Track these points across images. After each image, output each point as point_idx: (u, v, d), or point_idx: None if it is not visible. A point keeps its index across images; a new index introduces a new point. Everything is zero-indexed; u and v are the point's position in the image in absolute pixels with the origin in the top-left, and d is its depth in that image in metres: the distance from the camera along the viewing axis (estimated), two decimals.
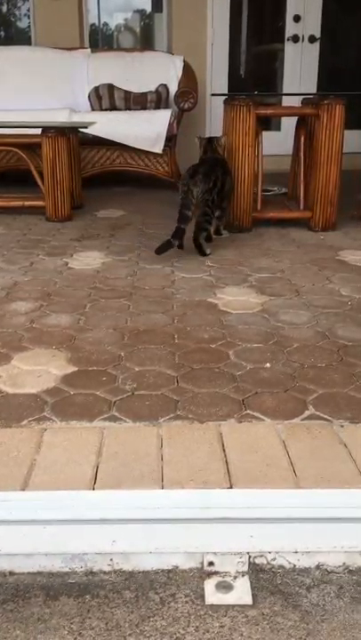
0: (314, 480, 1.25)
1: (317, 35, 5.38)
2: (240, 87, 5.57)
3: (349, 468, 1.31)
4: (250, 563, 1.08)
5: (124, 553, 1.12)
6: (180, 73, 4.81)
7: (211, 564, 1.08)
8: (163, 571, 1.10)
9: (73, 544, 1.12)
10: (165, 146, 4.41)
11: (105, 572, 1.11)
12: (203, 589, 1.05)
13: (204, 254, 2.89)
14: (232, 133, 3.23)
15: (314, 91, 5.31)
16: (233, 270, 2.71)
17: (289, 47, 5.44)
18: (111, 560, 1.11)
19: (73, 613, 1.02)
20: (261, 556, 1.09)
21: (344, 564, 1.06)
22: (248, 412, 1.55)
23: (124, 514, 1.13)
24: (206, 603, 1.03)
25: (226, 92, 5.28)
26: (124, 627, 0.99)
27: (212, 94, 4.98)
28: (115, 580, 1.09)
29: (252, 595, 1.02)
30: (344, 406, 1.59)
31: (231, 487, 1.23)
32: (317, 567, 1.07)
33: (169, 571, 1.10)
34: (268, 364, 1.82)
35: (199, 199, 2.83)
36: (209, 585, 1.05)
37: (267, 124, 5.24)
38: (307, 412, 1.55)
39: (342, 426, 1.49)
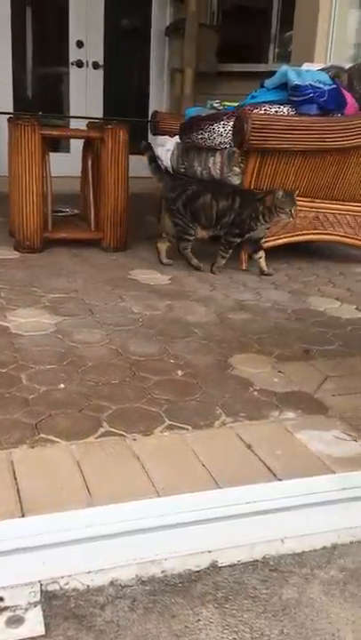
0: (108, 496, 1.26)
1: (101, 61, 5.54)
2: (28, 108, 5.50)
3: (142, 480, 1.34)
4: (42, 591, 1.04)
5: None
6: None
7: (0, 599, 1.02)
8: None
9: None
10: None
11: None
12: None
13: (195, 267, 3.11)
14: (17, 153, 3.16)
15: (100, 115, 5.45)
16: (25, 291, 2.64)
17: (73, 72, 5.53)
18: None
19: None
20: (54, 582, 1.06)
21: (137, 575, 1.08)
22: (42, 435, 1.51)
23: None
24: None
25: (11, 111, 5.18)
26: None
27: None
28: None
29: (45, 624, 0.98)
30: (137, 420, 1.63)
31: (23, 516, 1.18)
32: (111, 583, 1.07)
33: None
34: (62, 385, 1.80)
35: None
36: None
37: (56, 145, 5.24)
38: (101, 430, 1.56)
39: (135, 439, 1.53)
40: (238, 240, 3.05)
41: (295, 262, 3.39)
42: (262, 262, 3.12)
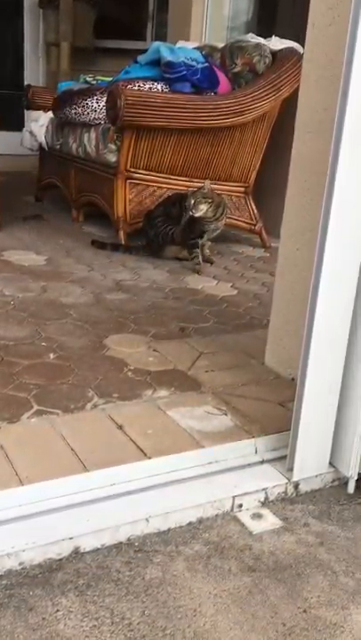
0: None
1: None
2: None
3: (4, 470, 1.27)
4: None
5: None
6: None
7: None
8: None
9: None
10: None
11: None
12: None
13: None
14: None
15: None
16: None
17: None
18: None
19: None
20: None
21: None
22: None
23: None
24: None
25: None
26: None
27: None
28: None
29: None
30: (2, 407, 1.54)
31: None
32: None
33: None
34: None
35: None
36: None
37: None
38: None
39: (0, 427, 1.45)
40: (199, 240, 2.91)
41: None
42: (206, 249, 3.01)
